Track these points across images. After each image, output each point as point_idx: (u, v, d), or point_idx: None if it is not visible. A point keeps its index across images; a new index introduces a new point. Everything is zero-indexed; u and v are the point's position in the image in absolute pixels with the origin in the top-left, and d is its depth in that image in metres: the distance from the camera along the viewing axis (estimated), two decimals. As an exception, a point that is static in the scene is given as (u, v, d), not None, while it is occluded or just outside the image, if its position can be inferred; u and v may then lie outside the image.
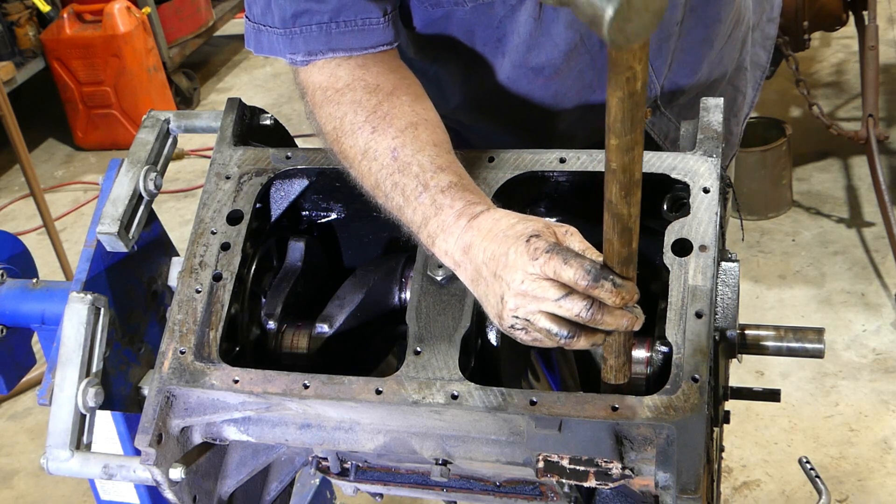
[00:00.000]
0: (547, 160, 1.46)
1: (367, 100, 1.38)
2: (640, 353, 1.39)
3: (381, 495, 1.72)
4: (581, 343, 1.17)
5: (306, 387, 1.35)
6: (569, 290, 1.13)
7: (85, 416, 1.53)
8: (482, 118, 1.78)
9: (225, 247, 1.49)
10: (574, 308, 1.13)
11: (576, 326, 1.16)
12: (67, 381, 1.53)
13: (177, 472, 1.41)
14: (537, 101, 1.68)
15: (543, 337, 1.18)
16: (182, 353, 1.41)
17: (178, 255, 1.78)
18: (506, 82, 1.65)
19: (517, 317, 1.18)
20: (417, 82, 1.48)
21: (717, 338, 1.35)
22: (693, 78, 1.77)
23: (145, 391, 1.67)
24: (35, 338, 1.82)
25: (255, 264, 1.56)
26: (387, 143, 1.34)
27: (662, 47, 1.69)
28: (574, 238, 1.19)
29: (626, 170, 1.02)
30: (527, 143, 1.74)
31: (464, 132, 1.80)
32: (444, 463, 1.40)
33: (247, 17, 1.52)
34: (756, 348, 1.47)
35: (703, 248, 1.34)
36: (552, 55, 1.61)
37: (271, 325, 1.54)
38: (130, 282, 1.71)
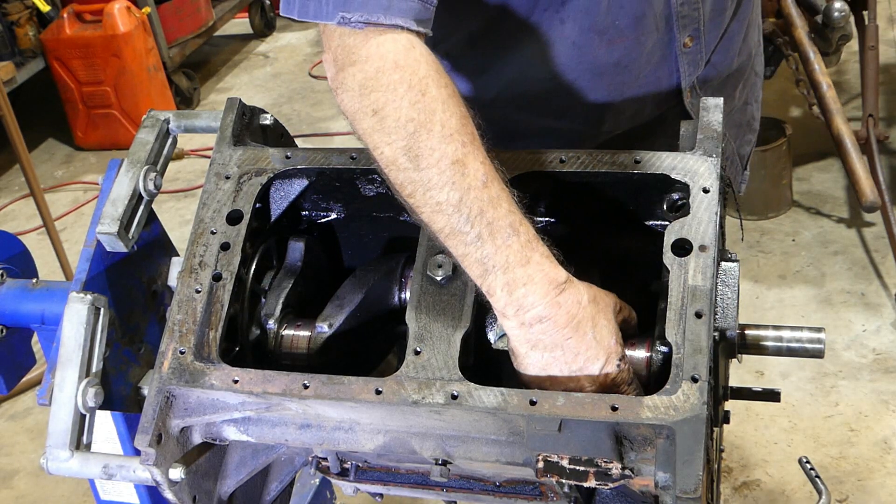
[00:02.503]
0: (547, 160, 1.46)
1: (455, 105, 1.30)
2: (640, 353, 1.39)
3: (381, 495, 1.72)
4: None
5: (306, 387, 1.35)
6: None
7: (85, 416, 1.53)
8: (528, 100, 1.77)
9: (225, 247, 1.49)
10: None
11: None
12: (67, 381, 1.53)
13: (176, 472, 1.41)
14: (598, 68, 1.68)
15: None
16: (182, 353, 1.41)
17: (178, 255, 1.77)
18: (570, 49, 1.65)
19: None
20: None
21: (717, 338, 1.35)
22: (728, 58, 1.82)
23: (145, 391, 1.67)
24: (35, 338, 1.82)
25: (254, 264, 1.56)
26: (478, 164, 1.27)
27: (717, 19, 1.74)
28: (622, 303, 1.37)
29: None
30: (570, 123, 1.76)
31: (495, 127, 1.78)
32: (444, 463, 1.40)
33: None
34: (756, 348, 1.47)
35: (702, 248, 1.34)
36: (619, 18, 1.62)
37: (271, 325, 1.54)
38: (130, 282, 1.71)
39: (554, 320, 1.27)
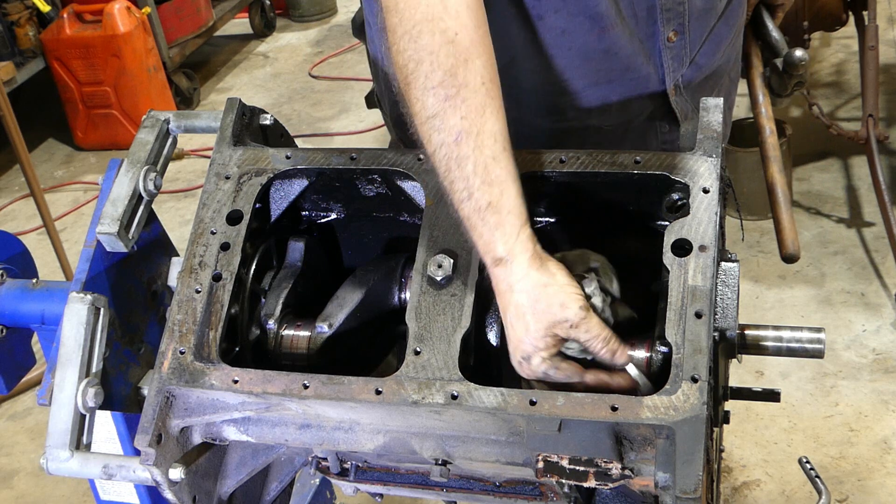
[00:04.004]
0: (547, 160, 1.47)
1: (445, 55, 1.32)
2: (640, 353, 1.39)
3: (380, 495, 1.72)
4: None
5: (306, 387, 1.35)
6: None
7: (84, 416, 1.53)
8: (514, 98, 1.75)
9: (224, 247, 1.49)
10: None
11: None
12: (67, 382, 1.53)
13: (176, 473, 1.41)
14: (587, 56, 1.67)
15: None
16: (182, 353, 1.41)
17: (178, 255, 1.77)
18: (559, 38, 1.64)
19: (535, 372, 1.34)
20: (487, 30, 1.40)
21: (717, 338, 1.35)
22: (712, 60, 1.81)
23: (145, 391, 1.67)
24: (35, 338, 1.82)
25: (254, 264, 1.56)
26: (455, 120, 1.31)
27: (704, 17, 1.73)
28: (583, 329, 1.32)
29: None
30: (558, 121, 1.75)
31: None
32: (444, 463, 1.40)
33: None
34: (756, 348, 1.47)
35: (702, 248, 1.34)
36: (600, 4, 1.61)
37: (271, 325, 1.54)
38: (130, 282, 1.71)
39: (494, 287, 1.34)
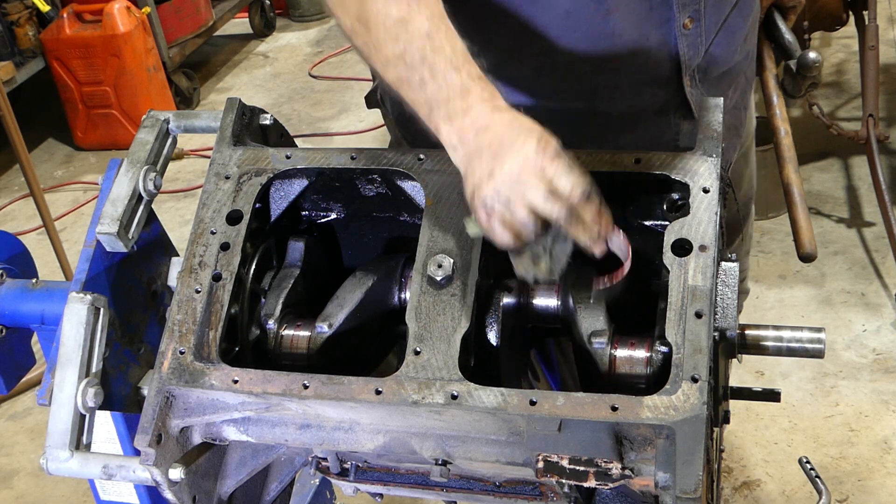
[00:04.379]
0: (547, 160, 1.46)
1: None
2: (640, 353, 1.39)
3: (380, 495, 1.72)
4: (538, 246, 1.31)
5: (306, 387, 1.35)
6: (556, 192, 1.25)
7: (84, 416, 1.53)
8: (518, 80, 1.75)
9: (224, 247, 1.49)
10: (555, 210, 1.26)
11: (544, 228, 1.28)
12: (67, 382, 1.52)
13: (176, 473, 1.41)
14: (593, 39, 1.67)
15: (507, 228, 1.28)
16: (181, 353, 1.41)
17: (177, 255, 1.77)
18: (564, 19, 1.64)
19: (498, 192, 1.26)
20: None
21: (717, 338, 1.35)
22: (727, 52, 1.81)
23: (145, 391, 1.67)
24: (35, 338, 1.82)
25: (254, 264, 1.56)
26: (422, 21, 1.34)
27: (719, 4, 1.73)
28: (568, 158, 1.29)
29: None
30: (563, 101, 1.74)
31: None
32: (444, 463, 1.40)
33: None
34: (756, 348, 1.47)
35: (702, 248, 1.34)
36: None
37: (271, 325, 1.54)
38: (130, 282, 1.71)
39: (494, 129, 1.30)
